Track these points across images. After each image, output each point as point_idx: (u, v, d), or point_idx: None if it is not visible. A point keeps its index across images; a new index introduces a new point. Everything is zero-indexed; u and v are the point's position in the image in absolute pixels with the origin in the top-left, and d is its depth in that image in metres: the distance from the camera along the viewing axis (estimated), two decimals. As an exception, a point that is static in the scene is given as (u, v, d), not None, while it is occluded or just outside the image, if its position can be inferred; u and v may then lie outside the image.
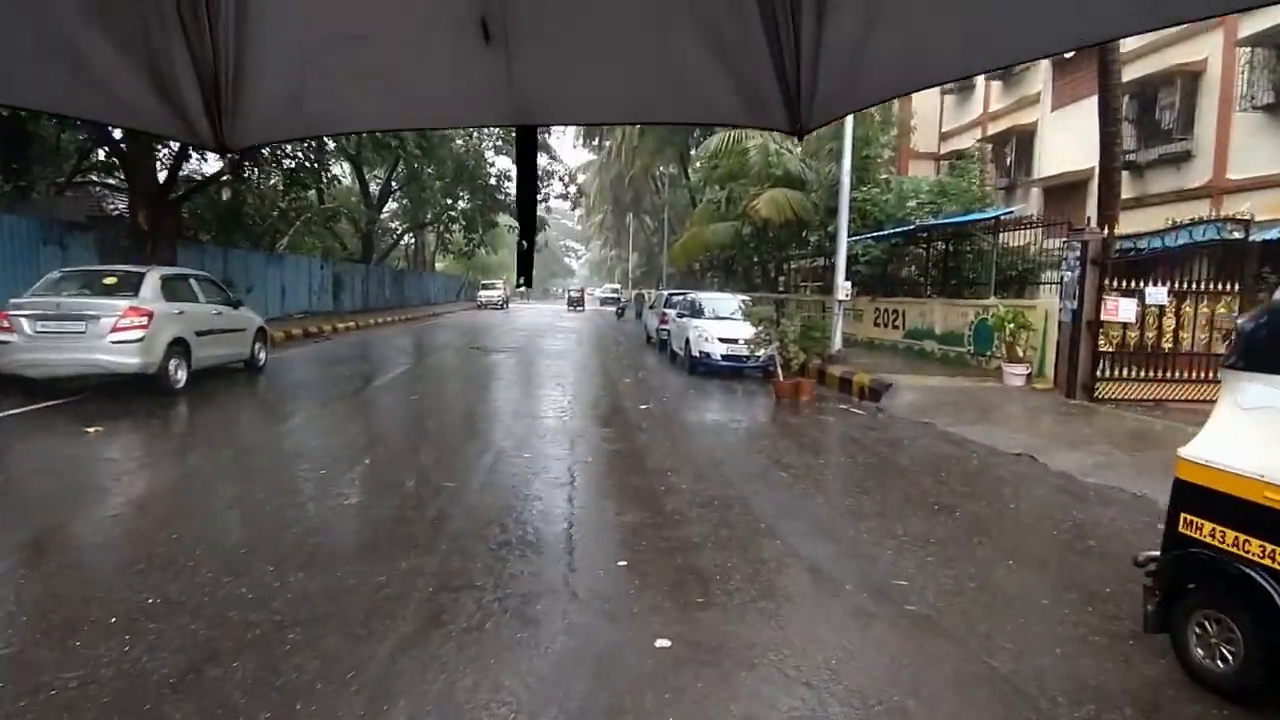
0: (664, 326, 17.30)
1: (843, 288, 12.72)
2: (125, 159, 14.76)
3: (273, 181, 21.15)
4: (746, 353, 11.94)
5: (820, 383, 12.30)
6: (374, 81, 1.45)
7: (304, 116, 1.56)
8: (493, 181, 37.04)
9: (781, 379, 10.89)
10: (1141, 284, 10.12)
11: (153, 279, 9.01)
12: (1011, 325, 10.66)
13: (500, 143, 36.17)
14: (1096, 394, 10.09)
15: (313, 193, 29.26)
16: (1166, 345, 10.33)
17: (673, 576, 3.97)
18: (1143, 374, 10.26)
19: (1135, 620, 3.42)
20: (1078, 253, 10.20)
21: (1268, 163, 12.70)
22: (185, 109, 1.41)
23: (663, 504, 5.25)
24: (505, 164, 38.09)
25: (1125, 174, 16.61)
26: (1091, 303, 10.10)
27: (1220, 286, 10.21)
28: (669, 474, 6.08)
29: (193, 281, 10.07)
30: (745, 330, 11.92)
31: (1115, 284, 10.08)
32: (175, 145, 15.95)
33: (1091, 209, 14.87)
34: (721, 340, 13.24)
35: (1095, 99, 17.99)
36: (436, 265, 59.05)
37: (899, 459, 6.94)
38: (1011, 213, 13.47)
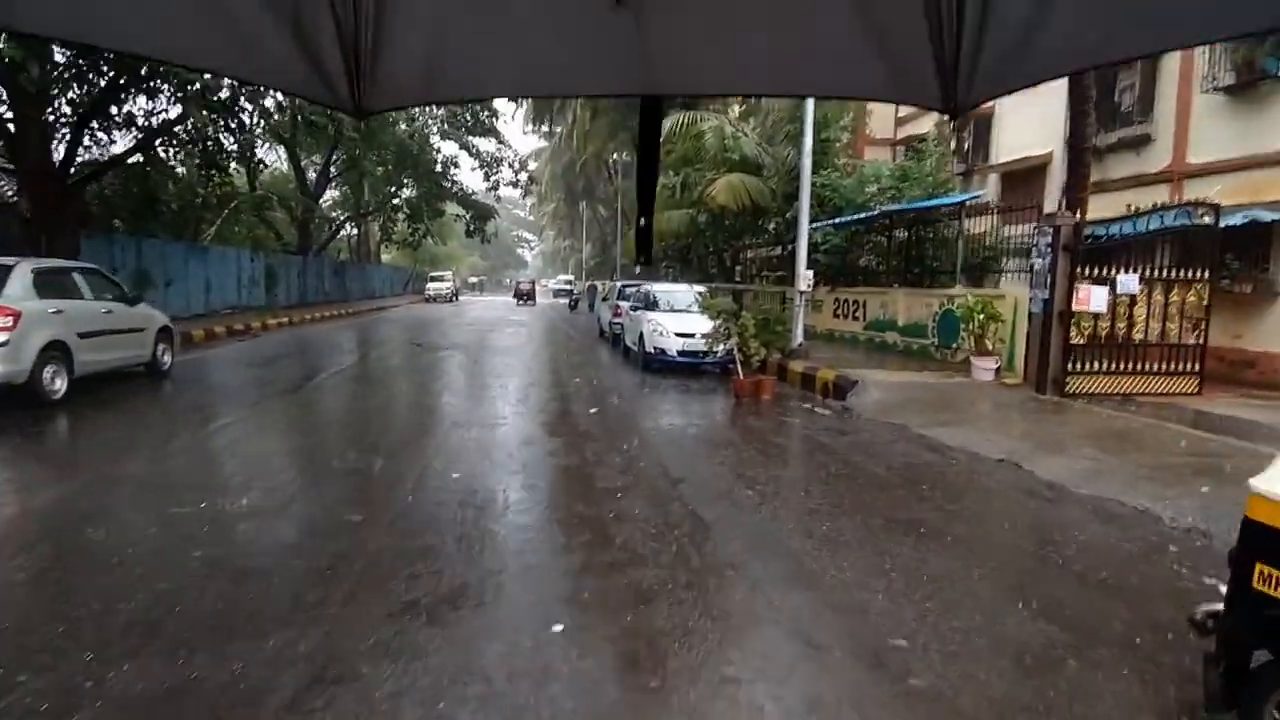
0: (617, 320, 16.49)
1: (804, 277, 12.08)
2: (9, 134, 13.15)
3: (186, 163, 19.53)
4: (704, 348, 11.20)
5: (781, 379, 11.65)
6: (505, 46, 1.43)
7: (437, 80, 1.53)
8: (438, 168, 35.58)
9: (741, 377, 10.19)
10: (1112, 272, 9.70)
11: (22, 273, 7.79)
12: (980, 316, 10.15)
13: (446, 127, 34.74)
14: (1067, 388, 9.65)
15: (243, 178, 27.61)
16: (1137, 336, 9.94)
17: (620, 645, 3.17)
18: (1113, 367, 9.86)
19: (1183, 684, 2.75)
20: (1049, 239, 9.72)
21: (1229, 146, 12.47)
22: (326, 71, 1.40)
23: (612, 536, 4.45)
24: (451, 149, 36.67)
25: (1083, 160, 16.39)
26: (1063, 292, 9.64)
27: (1190, 274, 9.86)
28: (620, 496, 5.28)
29: (77, 276, 8.83)
30: (702, 324, 11.18)
31: (1086, 272, 9.64)
32: (69, 118, 14.45)
33: (1051, 194, 14.50)
34: (678, 335, 12.48)
35: (1051, 84, 17.78)
36: (383, 257, 57.07)
37: (875, 469, 6.27)
38: (978, 197, 13.01)
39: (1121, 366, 9.85)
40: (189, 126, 15.84)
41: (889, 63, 1.37)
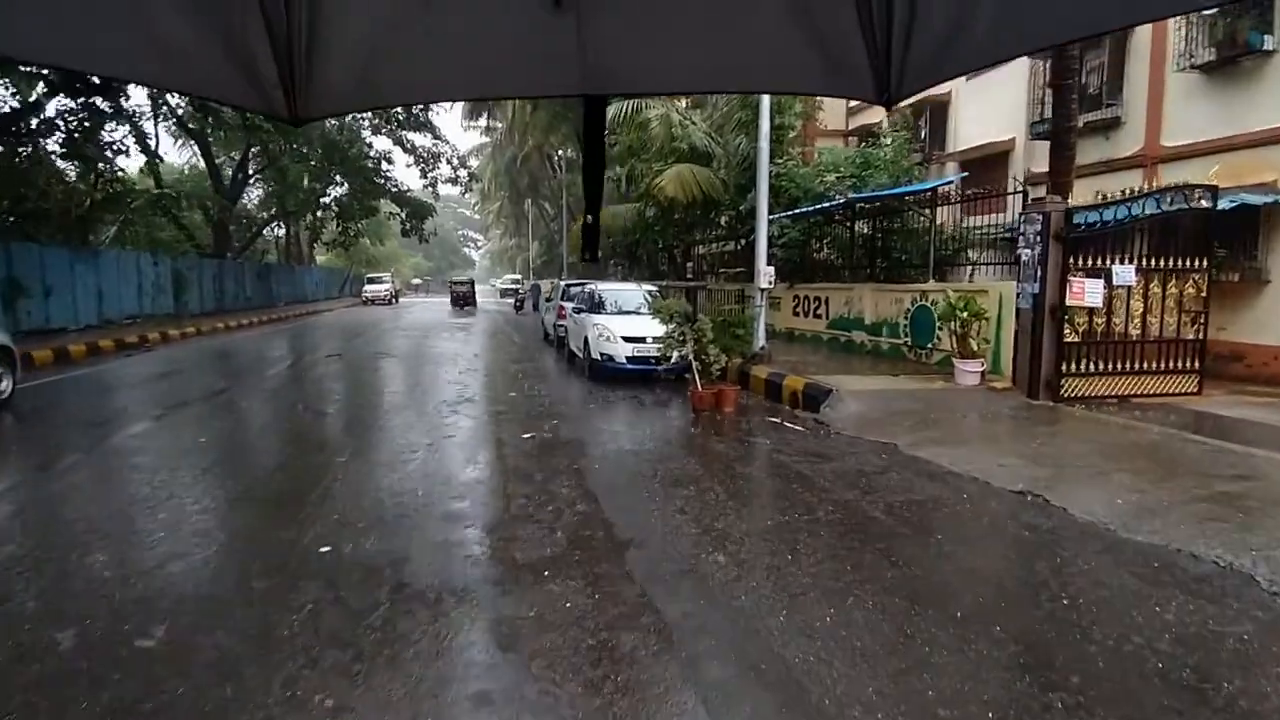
0: (561, 323, 15.07)
1: (764, 273, 10.86)
2: None
3: (66, 156, 17.31)
4: (657, 354, 9.86)
5: (743, 386, 10.41)
6: (443, 51, 1.38)
7: (375, 86, 1.47)
8: (370, 164, 33.47)
9: (699, 388, 8.89)
10: (1106, 262, 8.73)
11: None
12: (963, 314, 9.06)
13: (378, 121, 32.65)
14: (1062, 391, 8.66)
15: (140, 174, 25.15)
16: (1134, 332, 9.01)
17: None
18: (1109, 367, 8.91)
19: None
20: (1038, 226, 8.69)
21: (1206, 127, 11.75)
22: (260, 79, 1.34)
23: (539, 649, 3.07)
24: (385, 144, 34.64)
25: (1047, 145, 15.64)
26: (1055, 285, 8.63)
27: (1187, 263, 8.97)
28: (551, 575, 3.89)
29: None
30: (654, 327, 9.84)
31: (1078, 262, 8.65)
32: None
33: (1013, 182, 13.55)
34: (626, 339, 11.14)
35: (1011, 67, 16.98)
36: (318, 258, 54.22)
37: (872, 512, 5.02)
38: (953, 182, 11.98)
39: (1118, 366, 8.90)
40: (44, 116, 13.76)
41: (824, 57, 1.35)
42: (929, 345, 10.77)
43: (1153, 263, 8.88)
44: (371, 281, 44.06)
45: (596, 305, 12.72)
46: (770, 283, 10.95)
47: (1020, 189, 10.25)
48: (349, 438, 7.62)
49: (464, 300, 34.90)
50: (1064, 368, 8.72)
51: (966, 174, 12.66)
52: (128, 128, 19.20)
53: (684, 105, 19.56)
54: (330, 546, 4.29)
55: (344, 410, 9.28)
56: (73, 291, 17.16)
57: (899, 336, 11.50)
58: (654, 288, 13.61)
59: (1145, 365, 8.96)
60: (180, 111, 25.38)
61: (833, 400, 8.52)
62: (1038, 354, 8.74)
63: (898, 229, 12.90)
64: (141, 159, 22.25)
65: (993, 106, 16.92)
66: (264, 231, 39.23)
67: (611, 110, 19.38)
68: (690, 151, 17.20)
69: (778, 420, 8.42)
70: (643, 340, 10.92)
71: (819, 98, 18.00)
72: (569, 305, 14.29)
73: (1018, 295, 8.94)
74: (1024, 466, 5.92)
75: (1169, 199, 8.80)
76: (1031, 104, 15.53)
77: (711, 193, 16.39)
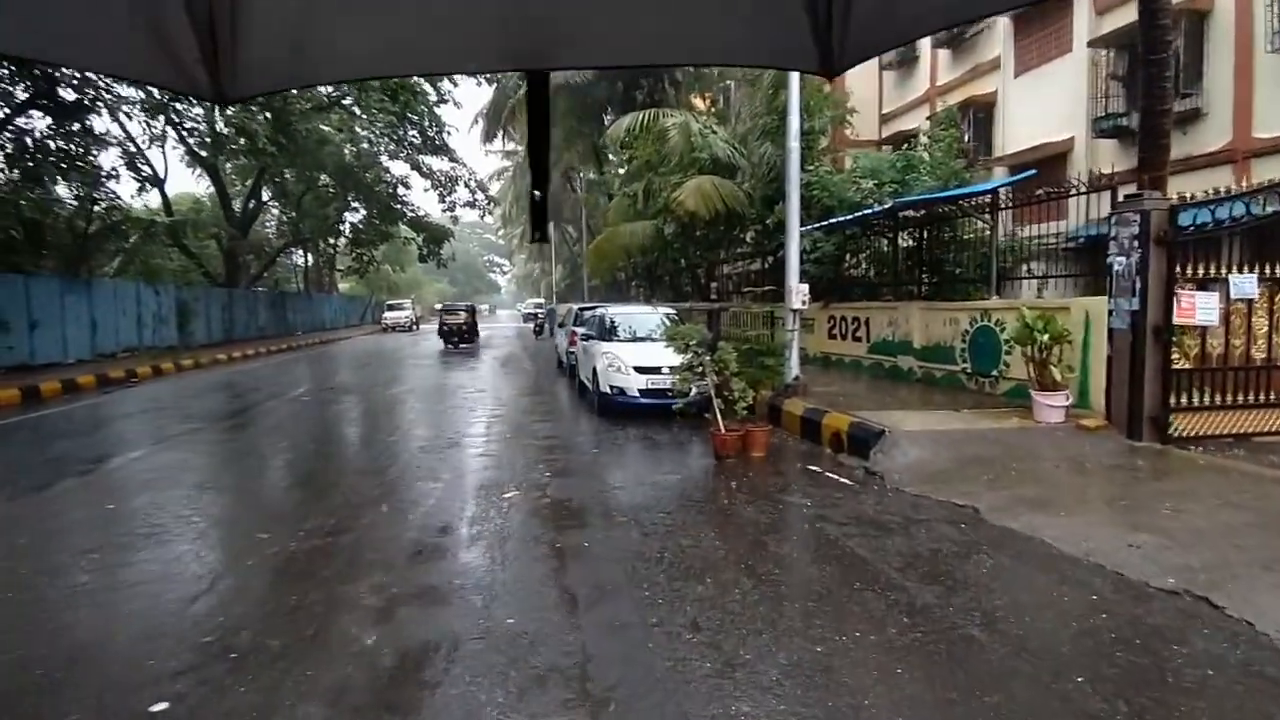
0: (573, 350, 13.73)
1: (797, 292, 9.38)
2: None
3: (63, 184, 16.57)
4: (674, 385, 8.35)
5: (774, 422, 8.91)
6: (375, 24, 1.31)
7: (303, 63, 1.41)
8: (386, 189, 32.74)
9: (722, 429, 7.42)
10: (1219, 270, 7.12)
11: None
12: (1043, 337, 7.47)
13: (394, 146, 31.99)
14: (1171, 430, 7.01)
15: (144, 205, 24.61)
16: (1258, 355, 7.34)
17: None
18: (1226, 398, 7.24)
19: None
20: (1134, 229, 7.12)
21: (1311, 115, 10.12)
22: (180, 57, 1.26)
23: None
24: (402, 170, 33.98)
25: (1113, 143, 14.01)
26: (1158, 300, 7.03)
27: (1320, 270, 7.29)
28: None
29: None
30: (671, 356, 8.39)
31: (1185, 272, 7.05)
32: None
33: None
34: (639, 370, 9.74)
35: (1067, 59, 15.44)
36: (340, 286, 53.95)
37: (966, 627, 3.50)
38: (1022, 179, 10.37)
39: (1239, 398, 7.23)
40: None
41: (764, 23, 1.31)
42: (994, 373, 9.16)
43: (1278, 271, 7.23)
44: (391, 308, 43.42)
45: (607, 331, 11.35)
46: (804, 302, 9.46)
47: (1103, 184, 8.64)
48: (289, 514, 6.28)
49: (459, 335, 24.40)
50: (1171, 400, 7.09)
51: (1035, 171, 11.05)
52: (118, 151, 18.47)
53: (705, 115, 18.30)
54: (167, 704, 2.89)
55: (292, 465, 7.96)
56: (62, 324, 16.31)
57: (955, 363, 9.91)
58: (672, 310, 12.21)
59: (1274, 396, 7.28)
60: (191, 140, 24.90)
61: (885, 444, 6.97)
62: (1138, 384, 7.11)
63: (948, 239, 11.33)
64: (146, 188, 21.40)
65: (1046, 104, 15.37)
66: (282, 260, 38.81)
67: (627, 120, 18.22)
68: (712, 163, 15.86)
69: (818, 469, 6.90)
70: (658, 371, 9.51)
71: (851, 106, 16.58)
72: (581, 330, 12.95)
73: (1110, 313, 7.34)
74: (1164, 547, 4.34)
75: (1296, 193, 7.16)
76: (1094, 98, 13.96)
77: (736, 206, 14.99)
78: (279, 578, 4.28)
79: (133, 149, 19.93)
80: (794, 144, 9.30)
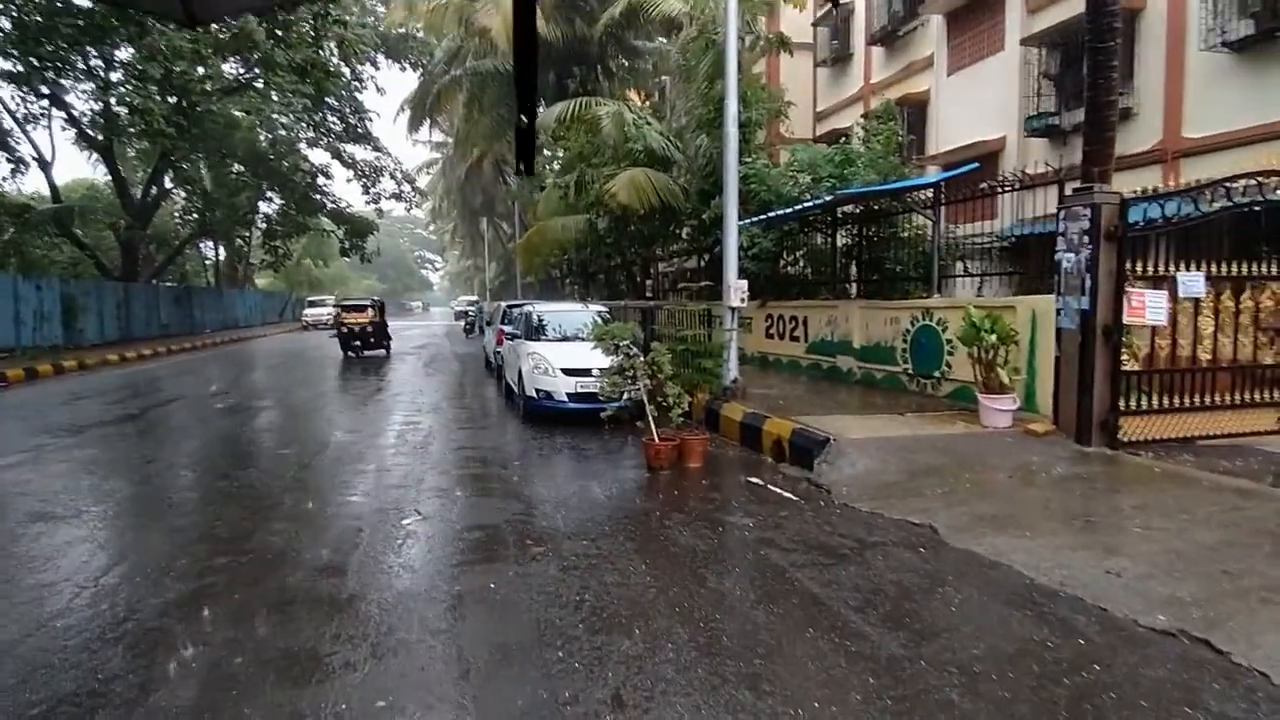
0: (500, 349, 12.87)
1: (735, 289, 8.80)
2: None
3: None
4: (605, 388, 7.59)
5: (712, 428, 8.31)
6: None
7: None
8: (303, 178, 30.89)
9: (656, 438, 6.76)
10: (1167, 268, 6.88)
11: None
12: (990, 337, 7.09)
13: (313, 133, 30.17)
14: (1121, 435, 6.72)
15: (37, 190, 22.35)
16: (1204, 356, 7.15)
17: None
18: (1175, 401, 7.00)
19: None
20: (1084, 224, 6.80)
21: (1240, 115, 10.16)
22: None
23: None
24: (322, 158, 32.19)
25: (1044, 142, 14.03)
26: (1108, 298, 6.72)
27: (1265, 269, 7.15)
28: None
29: None
30: (602, 357, 7.66)
31: (1135, 269, 6.78)
32: None
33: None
34: (567, 372, 9.02)
35: (999, 57, 15.43)
36: (258, 281, 51.06)
37: (940, 680, 2.93)
38: (976, 168, 10.04)
39: (1187, 400, 7.00)
40: None
41: None
42: (937, 374, 8.81)
43: (1223, 269, 7.04)
44: (312, 305, 41.29)
45: (534, 330, 10.56)
46: (743, 300, 8.90)
47: (1050, 178, 8.37)
48: (106, 548, 5.28)
49: (361, 340, 18.80)
50: (1120, 404, 6.81)
51: (979, 165, 10.81)
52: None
53: (639, 105, 17.65)
54: None
55: (145, 490, 6.90)
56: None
57: (896, 363, 9.53)
58: (604, 309, 11.50)
59: (1219, 398, 7.09)
60: (84, 120, 22.72)
61: (830, 453, 6.44)
62: (1088, 387, 6.79)
63: (887, 236, 10.99)
64: (21, 170, 19.32)
65: (979, 102, 15.34)
66: (193, 253, 36.29)
67: (558, 108, 17.41)
68: (646, 155, 15.23)
69: (759, 482, 6.31)
70: (587, 373, 8.81)
71: (787, 102, 16.17)
72: (507, 329, 12.10)
73: (1059, 312, 7.01)
74: (1146, 575, 3.88)
75: (1242, 189, 6.99)
76: (1026, 96, 13.94)
77: (671, 200, 14.39)
78: (98, 645, 3.37)
79: (6, 128, 17.83)
80: (732, 129, 8.72)
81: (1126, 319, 6.68)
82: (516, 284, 37.64)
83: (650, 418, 6.77)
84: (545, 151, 26.13)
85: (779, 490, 6.02)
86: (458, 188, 45.93)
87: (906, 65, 17.69)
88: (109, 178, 28.32)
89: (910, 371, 9.30)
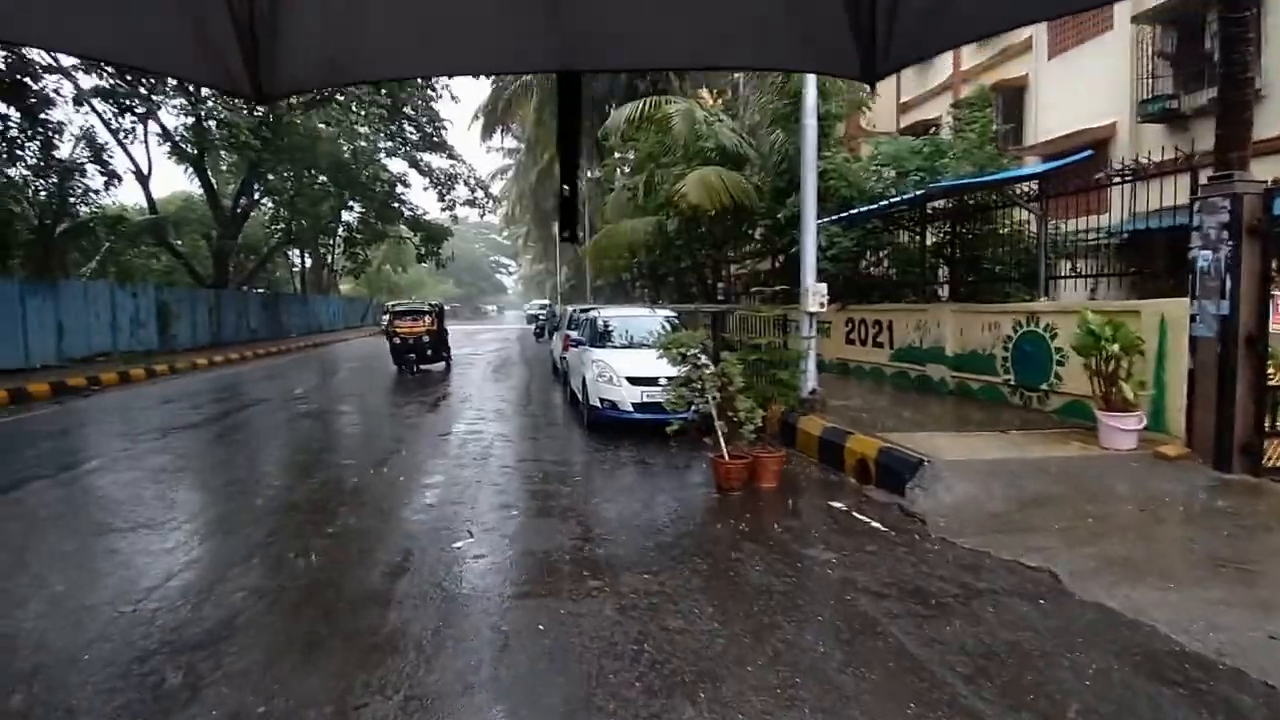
0: (566, 355, 12.58)
1: (814, 293, 8.17)
2: None
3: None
4: (670, 400, 7.04)
5: (788, 443, 7.70)
6: (410, 25, 1.32)
7: (341, 61, 1.41)
8: (384, 187, 31.67)
9: (726, 456, 6.23)
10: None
11: None
12: (1112, 346, 6.23)
13: (392, 143, 30.95)
14: (1267, 461, 5.78)
15: (137, 204, 23.67)
16: (1371, 369, 6.10)
17: None
18: (1336, 421, 5.98)
19: None
20: (1223, 217, 5.88)
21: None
22: (222, 54, 1.29)
23: None
24: (400, 167, 32.90)
25: (1161, 128, 12.73)
26: (1251, 303, 5.79)
27: None
28: None
29: None
30: (669, 365, 7.14)
31: (1287, 268, 5.82)
32: None
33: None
34: (633, 381, 8.59)
35: (1107, 38, 14.15)
36: (342, 288, 53.02)
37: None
38: (1089, 155, 9.07)
39: (1351, 421, 5.97)
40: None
41: (806, 30, 1.29)
42: (1044, 386, 7.92)
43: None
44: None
45: (599, 337, 10.18)
46: (822, 304, 8.26)
47: (1182, 165, 7.39)
48: (143, 564, 5.12)
49: (418, 353, 15.91)
50: (1266, 423, 5.85)
51: (1092, 152, 9.78)
52: (85, 144, 17.44)
53: (711, 103, 17.11)
54: None
55: (202, 497, 6.80)
56: (23, 329, 15.26)
57: (996, 373, 8.67)
58: (672, 314, 11.02)
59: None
60: (179, 135, 23.92)
61: (925, 477, 5.76)
62: (1228, 404, 5.87)
63: (983, 234, 10.08)
64: (115, 184, 20.35)
65: (1083, 87, 14.09)
66: (278, 260, 37.85)
67: (627, 109, 17.04)
68: (718, 154, 14.69)
69: (843, 507, 5.69)
70: (654, 382, 8.36)
71: (865, 91, 15.31)
72: (572, 335, 11.79)
73: (1193, 318, 6.10)
74: (1341, 648, 3.12)
75: None
76: (1139, 80, 12.67)
77: (744, 200, 13.79)
78: (131, 657, 3.12)
79: (102, 142, 18.84)
80: (810, 120, 8.09)
81: (1275, 326, 5.74)
82: (587, 287, 37.64)
83: (719, 433, 6.24)
84: (617, 155, 25.92)
85: (865, 519, 5.39)
86: (530, 192, 46.45)
87: (1001, 50, 16.49)
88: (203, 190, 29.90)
89: (1012, 383, 8.42)
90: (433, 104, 28.82)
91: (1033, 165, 11.61)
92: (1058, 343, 7.75)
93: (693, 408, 6.69)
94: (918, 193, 9.40)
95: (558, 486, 6.53)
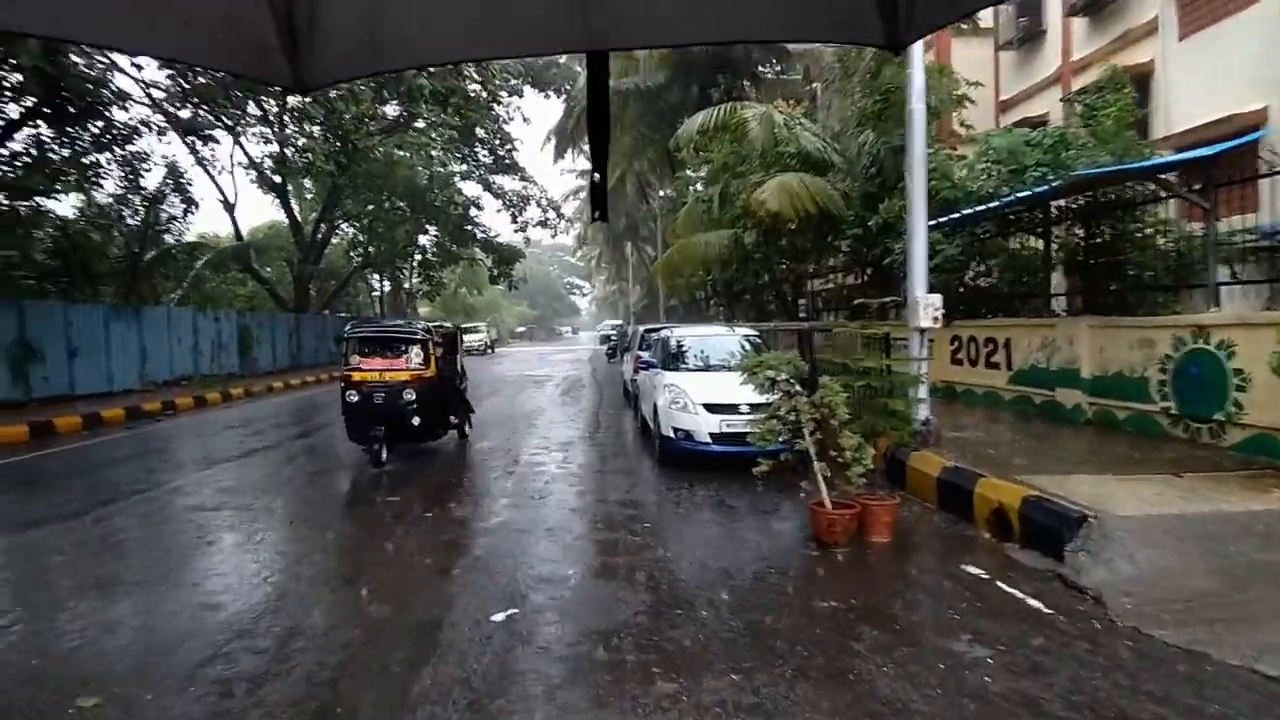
0: (637, 377, 11.67)
1: (926, 306, 6.94)
2: None
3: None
4: (757, 436, 5.91)
5: (894, 480, 6.49)
6: (441, 9, 1.36)
7: (378, 49, 1.42)
8: (457, 210, 31.88)
9: (828, 504, 5.10)
10: None
11: None
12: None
13: (464, 167, 31.17)
14: None
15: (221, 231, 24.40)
16: None
17: None
18: None
19: None
20: None
21: None
22: (264, 45, 1.31)
23: None
24: (473, 190, 33.10)
25: (1332, 109, 10.81)
26: None
27: None
28: None
29: None
30: (753, 391, 6.03)
31: None
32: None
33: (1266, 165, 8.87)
34: (709, 409, 7.57)
35: (1252, 12, 12.32)
36: (420, 310, 54.12)
37: None
38: (1266, 133, 7.60)
39: None
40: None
41: (829, 1, 1.30)
42: (1218, 416, 6.42)
43: None
44: (466, 332, 42.83)
45: (672, 358, 9.19)
46: (936, 319, 7.01)
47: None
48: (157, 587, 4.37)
49: (392, 422, 8.17)
50: None
51: (1269, 129, 8.22)
52: (166, 173, 17.83)
53: (790, 107, 16.00)
54: None
55: (247, 532, 6.11)
56: (107, 352, 15.50)
57: (1149, 400, 7.19)
58: (753, 332, 9.93)
59: None
60: (266, 165, 24.57)
61: (1093, 537, 4.47)
62: None
63: (1124, 235, 8.57)
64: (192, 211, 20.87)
65: (1225, 70, 12.23)
66: (358, 284, 38.69)
67: (700, 117, 16.12)
68: (799, 160, 13.54)
69: (983, 575, 4.47)
70: (734, 410, 7.33)
71: (963, 92, 13.88)
72: (643, 356, 10.85)
73: None
74: None
75: None
76: (1302, 52, 10.84)
77: (829, 207, 12.58)
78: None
79: (186, 171, 19.30)
80: (918, 105, 6.92)
81: None
82: (659, 307, 36.84)
83: (820, 478, 5.11)
84: (690, 172, 25.11)
85: (1017, 593, 4.16)
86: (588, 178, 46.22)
87: (1120, 35, 14.70)
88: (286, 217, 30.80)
89: (1173, 411, 6.92)
90: (504, 125, 28.80)
91: (1173, 154, 9.97)
92: (1236, 363, 6.26)
93: (781, 438, 5.55)
94: (1048, 185, 7.98)
95: (624, 535, 5.54)
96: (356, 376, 8.21)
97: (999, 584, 4.33)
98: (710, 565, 4.83)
